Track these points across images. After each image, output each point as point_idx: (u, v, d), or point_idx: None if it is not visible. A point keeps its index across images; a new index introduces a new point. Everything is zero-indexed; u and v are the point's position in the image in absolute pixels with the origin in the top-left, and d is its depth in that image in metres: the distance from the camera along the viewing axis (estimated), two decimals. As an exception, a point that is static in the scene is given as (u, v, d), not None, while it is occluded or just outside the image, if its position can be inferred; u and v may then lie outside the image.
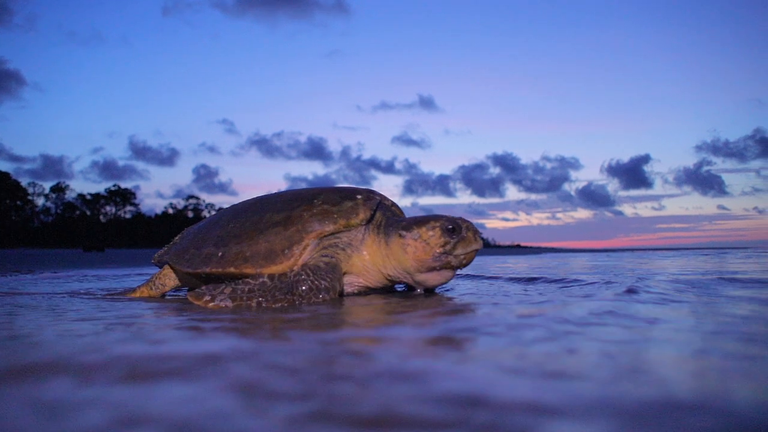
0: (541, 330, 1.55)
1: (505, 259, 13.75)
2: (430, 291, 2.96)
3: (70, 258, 16.44)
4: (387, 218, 2.86)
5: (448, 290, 3.14)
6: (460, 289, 3.18)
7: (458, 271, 2.92)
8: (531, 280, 3.88)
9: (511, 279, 4.04)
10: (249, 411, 0.87)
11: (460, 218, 2.78)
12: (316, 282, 2.57)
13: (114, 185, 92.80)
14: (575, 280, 3.61)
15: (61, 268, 8.33)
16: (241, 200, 3.21)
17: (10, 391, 0.98)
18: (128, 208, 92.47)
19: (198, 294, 2.47)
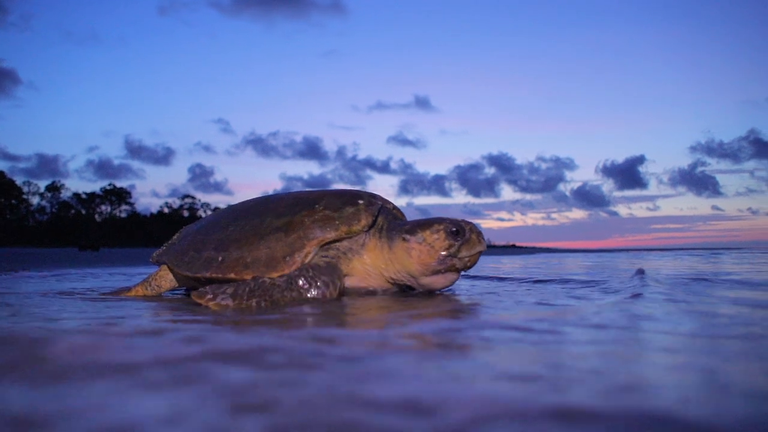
0: (531, 335, 1.57)
1: (499, 258, 13.78)
2: (430, 292, 2.95)
3: (65, 257, 16.40)
4: (389, 222, 2.85)
5: (446, 290, 3.14)
6: (458, 289, 3.20)
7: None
8: (523, 280, 3.91)
9: (504, 279, 4.08)
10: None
11: (463, 220, 2.78)
12: (314, 279, 2.58)
13: (109, 184, 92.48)
14: (569, 280, 3.65)
15: (55, 267, 8.31)
16: (236, 200, 3.23)
17: None
18: (123, 207, 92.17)
19: (201, 293, 2.48)
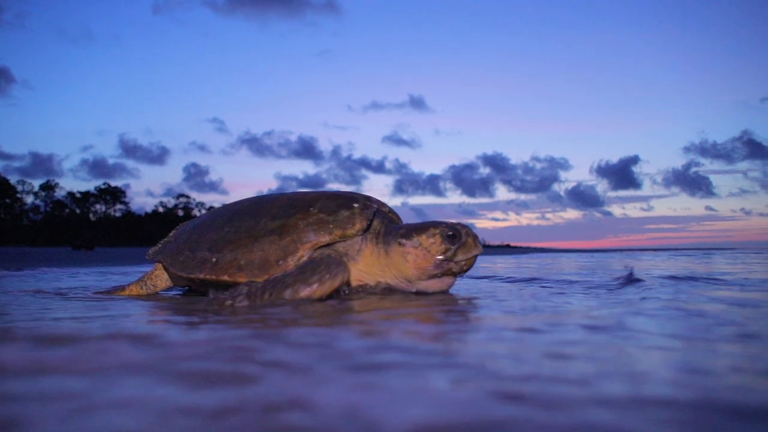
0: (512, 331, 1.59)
1: (493, 259, 13.81)
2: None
3: (59, 256, 16.36)
4: (385, 226, 2.83)
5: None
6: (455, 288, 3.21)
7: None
8: (513, 279, 3.94)
9: (502, 279, 4.10)
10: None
11: (459, 223, 2.77)
12: (326, 269, 2.56)
13: (104, 183, 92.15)
14: (563, 280, 3.67)
15: (50, 267, 8.30)
16: (231, 199, 3.23)
17: None
18: (118, 206, 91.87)
19: (220, 300, 2.47)
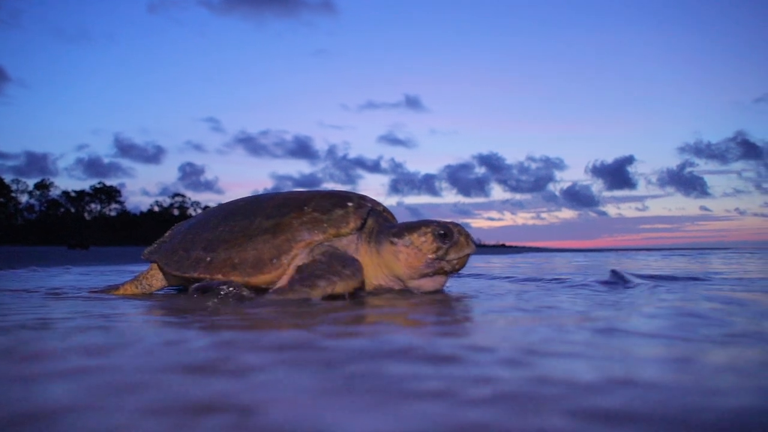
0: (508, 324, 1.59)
1: (488, 258, 13.82)
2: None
3: (54, 255, 16.29)
4: (379, 225, 2.83)
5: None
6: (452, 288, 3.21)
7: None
8: (501, 277, 3.94)
9: (494, 277, 4.11)
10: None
11: (452, 222, 2.76)
12: (346, 265, 2.59)
13: (99, 183, 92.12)
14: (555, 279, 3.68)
15: (44, 266, 8.27)
16: (227, 198, 3.22)
17: None
18: (113, 205, 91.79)
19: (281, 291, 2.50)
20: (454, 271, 2.79)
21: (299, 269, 2.59)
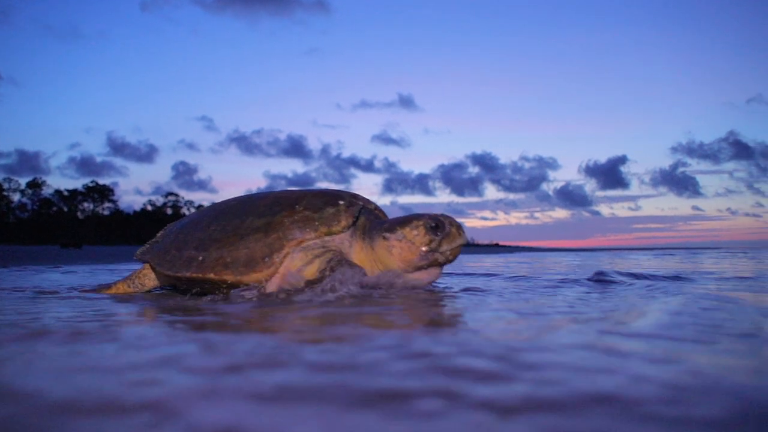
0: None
1: (482, 258, 13.84)
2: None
3: (46, 254, 16.22)
4: (371, 223, 2.85)
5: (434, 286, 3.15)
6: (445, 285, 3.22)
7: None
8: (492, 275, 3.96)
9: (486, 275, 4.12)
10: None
11: (442, 214, 2.79)
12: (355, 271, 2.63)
13: (92, 181, 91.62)
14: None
15: (36, 265, 8.24)
16: (220, 198, 3.24)
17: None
18: (106, 204, 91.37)
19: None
20: (448, 262, 2.82)
21: (308, 283, 2.59)
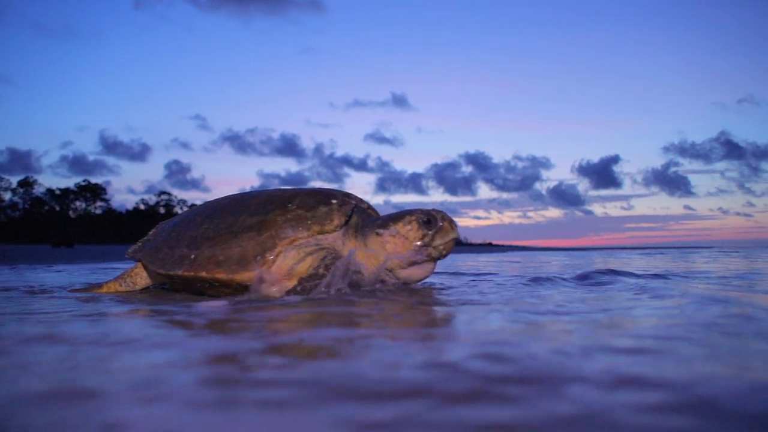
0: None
1: (476, 257, 13.87)
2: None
3: (37, 253, 16.14)
4: (363, 220, 2.86)
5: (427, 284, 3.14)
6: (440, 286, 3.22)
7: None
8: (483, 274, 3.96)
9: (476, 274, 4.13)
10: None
11: (434, 209, 2.81)
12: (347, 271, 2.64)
13: (84, 180, 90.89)
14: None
15: (28, 264, 8.19)
16: (213, 197, 3.21)
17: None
18: (98, 203, 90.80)
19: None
20: (441, 257, 2.83)
21: (301, 281, 2.57)
